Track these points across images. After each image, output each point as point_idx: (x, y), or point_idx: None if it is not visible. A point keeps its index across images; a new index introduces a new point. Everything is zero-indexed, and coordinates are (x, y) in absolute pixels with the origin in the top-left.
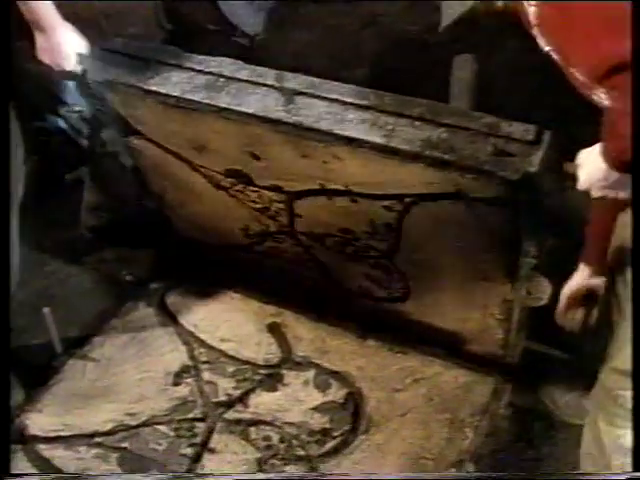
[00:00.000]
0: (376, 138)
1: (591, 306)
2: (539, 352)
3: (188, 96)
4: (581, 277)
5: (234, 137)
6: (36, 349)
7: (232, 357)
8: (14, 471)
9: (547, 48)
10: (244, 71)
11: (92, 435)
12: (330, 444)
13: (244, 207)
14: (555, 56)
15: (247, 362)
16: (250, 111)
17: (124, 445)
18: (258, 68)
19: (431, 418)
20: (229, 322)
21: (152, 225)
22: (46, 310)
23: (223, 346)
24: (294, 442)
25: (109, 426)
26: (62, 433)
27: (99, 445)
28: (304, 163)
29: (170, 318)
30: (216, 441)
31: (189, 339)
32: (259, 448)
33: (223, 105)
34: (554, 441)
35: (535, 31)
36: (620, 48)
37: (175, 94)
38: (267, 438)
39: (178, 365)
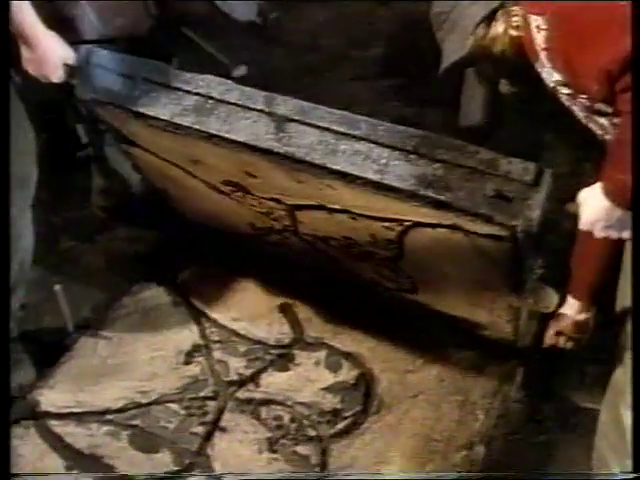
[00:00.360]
0: (369, 173)
1: (581, 336)
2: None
3: (177, 120)
4: (570, 311)
5: (227, 159)
6: (48, 327)
7: (244, 337)
8: (27, 446)
9: (555, 78)
10: (233, 92)
11: (103, 412)
12: (341, 424)
13: (247, 209)
14: (562, 87)
15: (259, 342)
16: (241, 139)
17: (135, 423)
18: (247, 89)
19: (442, 400)
20: (241, 302)
21: (162, 206)
22: (58, 288)
23: (235, 326)
24: (305, 422)
25: (120, 404)
26: (74, 410)
27: (110, 422)
28: (300, 186)
29: (182, 297)
30: (227, 420)
31: (201, 318)
32: (270, 428)
33: (213, 132)
34: (566, 425)
35: (543, 57)
36: (627, 45)
37: (164, 117)
38: (278, 418)
39: (189, 344)
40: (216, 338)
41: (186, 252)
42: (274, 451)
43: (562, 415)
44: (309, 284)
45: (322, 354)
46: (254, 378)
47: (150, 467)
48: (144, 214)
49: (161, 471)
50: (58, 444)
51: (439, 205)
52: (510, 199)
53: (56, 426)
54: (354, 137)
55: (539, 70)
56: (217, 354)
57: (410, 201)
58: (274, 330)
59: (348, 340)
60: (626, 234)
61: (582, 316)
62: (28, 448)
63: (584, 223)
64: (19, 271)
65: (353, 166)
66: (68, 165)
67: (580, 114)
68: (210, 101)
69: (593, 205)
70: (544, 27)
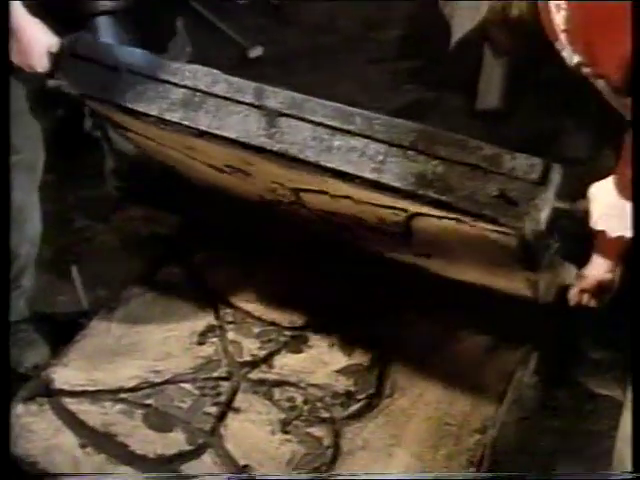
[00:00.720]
0: (366, 172)
1: (606, 295)
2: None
3: (166, 116)
4: (596, 270)
5: (221, 152)
6: (62, 305)
7: (258, 318)
8: (41, 423)
9: (575, 60)
10: (221, 84)
11: (117, 391)
12: (354, 407)
13: (252, 185)
14: (583, 68)
15: (272, 323)
16: (232, 136)
17: (149, 402)
18: (235, 81)
19: (456, 383)
20: (255, 284)
21: (177, 185)
22: (72, 267)
23: (249, 307)
24: (318, 404)
25: (134, 382)
26: (88, 388)
27: (124, 401)
28: (299, 176)
29: (197, 278)
30: (240, 401)
31: (215, 299)
32: (283, 409)
33: (203, 128)
34: (580, 412)
35: (562, 38)
36: None
37: (153, 113)
38: (291, 399)
39: (203, 324)
40: (230, 319)
41: (202, 233)
42: (287, 432)
43: (576, 401)
44: (323, 265)
45: (336, 336)
46: (267, 359)
47: (163, 446)
48: (159, 194)
49: (174, 450)
50: (72, 421)
51: (440, 205)
52: (515, 202)
53: (70, 404)
54: (349, 132)
55: (559, 49)
56: (231, 335)
57: (410, 199)
58: (288, 312)
59: (362, 322)
60: None
61: (608, 275)
62: (42, 425)
63: (596, 221)
64: (28, 253)
65: (349, 164)
66: (80, 144)
67: (604, 91)
68: (198, 94)
69: (605, 201)
70: (564, 7)
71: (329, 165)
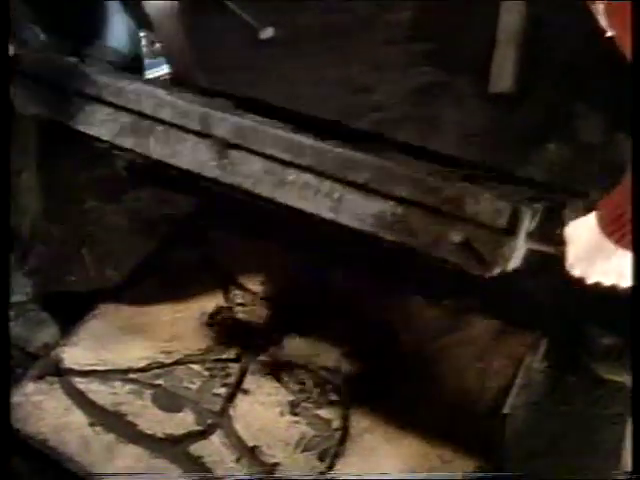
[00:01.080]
0: (322, 210)
1: None
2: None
3: (118, 141)
4: None
5: None
6: (72, 285)
7: (267, 300)
8: (51, 401)
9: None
10: (166, 110)
11: (127, 371)
12: (364, 390)
13: None
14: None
15: (282, 305)
16: (184, 167)
17: (158, 382)
18: (180, 105)
19: (466, 367)
20: (266, 266)
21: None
22: (82, 248)
23: (258, 289)
24: (327, 387)
25: (143, 363)
26: (97, 368)
27: (133, 381)
28: None
29: (207, 259)
30: (249, 382)
31: (225, 281)
32: (293, 391)
33: (156, 157)
34: (590, 397)
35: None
36: None
37: (106, 138)
38: (301, 381)
39: (213, 306)
40: (240, 301)
41: (213, 215)
42: (296, 414)
43: (586, 387)
44: (334, 249)
45: (346, 320)
46: (277, 341)
47: (172, 426)
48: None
49: (182, 430)
50: (82, 400)
51: (403, 246)
52: (479, 253)
53: (80, 383)
54: (300, 167)
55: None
56: (240, 317)
57: (371, 239)
58: (297, 294)
59: (372, 306)
60: (625, 282)
61: None
62: (52, 403)
63: (571, 264)
64: (31, 233)
65: (304, 201)
66: None
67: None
68: (145, 120)
69: (583, 239)
70: None
71: (285, 202)
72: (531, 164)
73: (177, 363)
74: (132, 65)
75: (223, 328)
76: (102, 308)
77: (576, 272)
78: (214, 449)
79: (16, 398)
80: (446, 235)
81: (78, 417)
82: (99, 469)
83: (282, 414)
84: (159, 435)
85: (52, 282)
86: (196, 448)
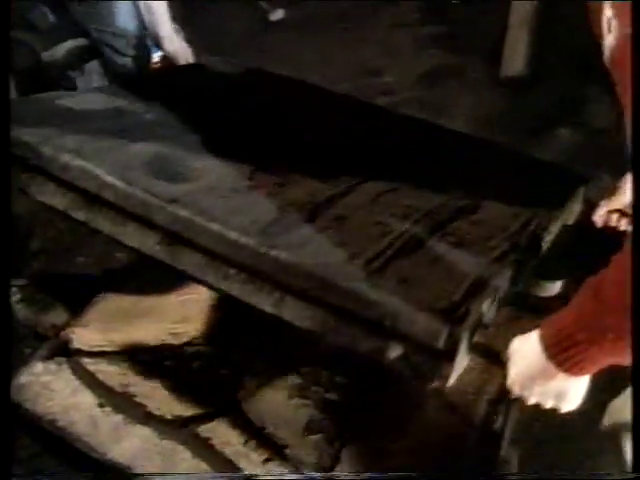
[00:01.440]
0: (266, 306)
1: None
2: None
3: (72, 214)
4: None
5: None
6: (81, 266)
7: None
8: (59, 382)
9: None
10: (108, 191)
11: (136, 352)
12: (371, 373)
13: None
14: None
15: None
16: (134, 246)
17: (167, 363)
18: (119, 186)
19: (474, 352)
20: None
21: None
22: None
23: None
24: (337, 369)
25: (152, 344)
26: (106, 349)
27: (142, 362)
28: None
29: None
30: (258, 364)
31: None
32: (302, 375)
33: (107, 233)
34: (597, 383)
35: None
36: None
37: (60, 209)
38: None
39: None
40: None
41: None
42: (305, 397)
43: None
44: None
45: None
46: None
47: (181, 408)
48: None
49: (191, 412)
50: (90, 381)
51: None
52: (420, 372)
53: (88, 364)
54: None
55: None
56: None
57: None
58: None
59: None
60: (566, 405)
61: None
62: (61, 384)
63: (511, 381)
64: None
65: (248, 296)
66: None
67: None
68: (91, 197)
69: (526, 358)
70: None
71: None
72: (542, 147)
73: (186, 345)
74: (138, 44)
75: (232, 310)
76: (111, 289)
77: (515, 390)
78: (222, 431)
79: (25, 378)
80: (385, 347)
81: (87, 397)
82: (107, 449)
83: (290, 397)
84: (168, 416)
85: (61, 264)
86: (204, 430)
